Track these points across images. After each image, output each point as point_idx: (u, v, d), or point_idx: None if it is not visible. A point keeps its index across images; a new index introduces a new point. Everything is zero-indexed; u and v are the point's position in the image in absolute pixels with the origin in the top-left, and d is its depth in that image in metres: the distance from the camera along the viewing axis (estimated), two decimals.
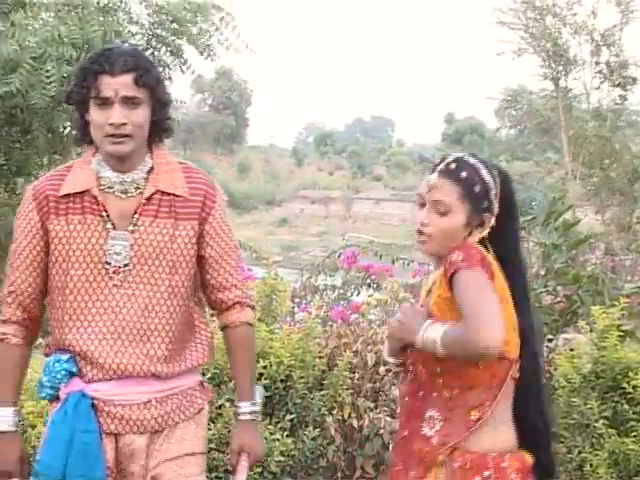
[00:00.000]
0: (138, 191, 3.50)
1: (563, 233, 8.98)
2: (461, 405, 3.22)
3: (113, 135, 3.40)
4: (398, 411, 3.57)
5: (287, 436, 6.02)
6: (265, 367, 6.05)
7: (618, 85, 13.72)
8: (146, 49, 9.46)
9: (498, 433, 3.25)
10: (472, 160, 3.32)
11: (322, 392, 6.42)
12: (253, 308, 3.75)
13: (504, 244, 3.35)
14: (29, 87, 8.07)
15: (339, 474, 6.47)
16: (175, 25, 9.36)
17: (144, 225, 3.47)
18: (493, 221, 3.32)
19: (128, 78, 3.39)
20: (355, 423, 6.41)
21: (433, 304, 3.27)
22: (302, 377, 6.21)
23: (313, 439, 6.19)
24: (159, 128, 3.55)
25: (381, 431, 6.37)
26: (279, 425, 5.98)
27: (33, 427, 5.56)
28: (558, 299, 8.76)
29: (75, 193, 3.48)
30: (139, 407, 3.47)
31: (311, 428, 6.28)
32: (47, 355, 3.58)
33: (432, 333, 3.16)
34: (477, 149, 59.57)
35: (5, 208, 9.89)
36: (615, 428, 6.23)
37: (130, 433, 3.47)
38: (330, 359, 6.57)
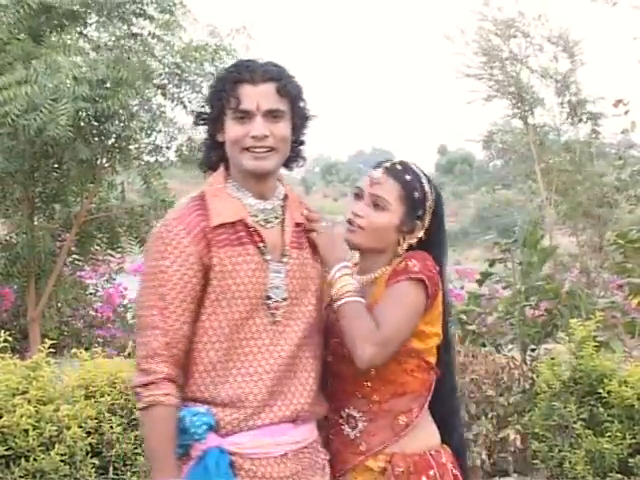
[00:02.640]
0: (277, 220, 2.94)
1: (543, 259, 9.06)
2: (388, 409, 2.96)
3: (255, 149, 2.83)
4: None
5: None
6: None
7: (581, 121, 13.86)
8: (166, 86, 9.56)
9: (428, 432, 3.02)
10: (415, 169, 3.07)
11: None
12: None
13: (433, 255, 3.03)
14: (50, 122, 8.10)
15: None
16: (193, 65, 9.44)
17: (292, 257, 2.93)
18: (422, 233, 3.05)
19: (271, 87, 2.84)
20: None
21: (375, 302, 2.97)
22: None
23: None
24: (293, 153, 2.98)
25: None
26: None
27: (68, 429, 5.53)
28: (540, 313, 8.78)
29: (227, 223, 2.85)
30: (276, 461, 2.87)
31: None
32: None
33: (344, 286, 2.91)
34: (467, 178, 59.65)
35: (44, 232, 9.91)
36: (591, 429, 6.22)
37: None
38: None
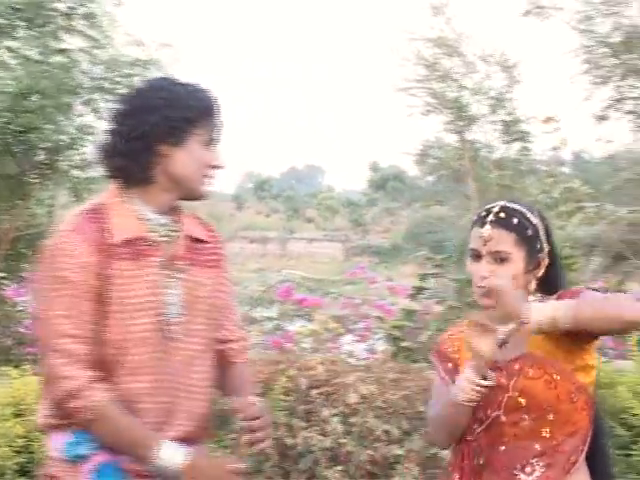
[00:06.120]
0: (175, 234, 2.98)
1: None
2: (563, 450, 2.95)
3: (210, 174, 2.97)
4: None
5: (228, 454, 6.00)
6: None
7: (515, 140, 14.05)
8: (93, 100, 9.54)
9: (585, 471, 3.02)
10: (516, 206, 3.09)
11: None
12: None
13: (556, 278, 3.13)
14: None
15: None
16: (123, 79, 9.44)
17: (185, 273, 2.97)
18: (547, 262, 3.09)
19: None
20: (289, 441, 6.39)
21: (536, 349, 2.98)
22: None
23: (251, 456, 6.15)
24: None
25: (313, 448, 6.35)
26: (221, 444, 5.95)
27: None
28: None
29: (128, 238, 2.87)
30: None
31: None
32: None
33: (548, 307, 2.88)
34: (399, 195, 59.99)
35: None
36: None
37: None
38: (267, 383, 6.56)
